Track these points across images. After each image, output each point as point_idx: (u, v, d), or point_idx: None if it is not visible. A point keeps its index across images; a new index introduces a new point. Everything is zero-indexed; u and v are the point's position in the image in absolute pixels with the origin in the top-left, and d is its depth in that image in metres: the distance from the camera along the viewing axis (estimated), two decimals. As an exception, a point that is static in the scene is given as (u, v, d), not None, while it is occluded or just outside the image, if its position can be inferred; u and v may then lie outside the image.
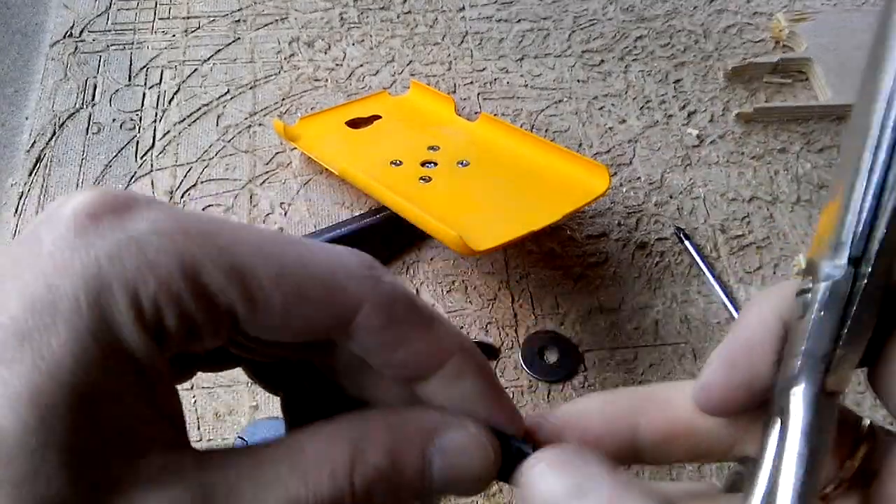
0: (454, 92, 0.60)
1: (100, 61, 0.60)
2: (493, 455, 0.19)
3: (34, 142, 0.55)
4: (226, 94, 0.58)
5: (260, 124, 0.57)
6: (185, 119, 0.57)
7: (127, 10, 0.64)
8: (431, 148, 0.53)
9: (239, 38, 0.62)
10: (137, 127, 0.56)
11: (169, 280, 0.16)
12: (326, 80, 0.60)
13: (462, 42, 0.63)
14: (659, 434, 0.21)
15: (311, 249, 0.18)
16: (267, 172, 0.54)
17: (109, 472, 0.15)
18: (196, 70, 0.60)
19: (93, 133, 0.56)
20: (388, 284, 0.19)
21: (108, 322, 0.15)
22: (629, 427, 0.21)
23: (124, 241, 0.16)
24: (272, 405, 0.44)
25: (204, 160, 0.55)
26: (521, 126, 0.58)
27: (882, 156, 0.17)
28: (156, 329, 0.16)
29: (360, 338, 0.18)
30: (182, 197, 0.53)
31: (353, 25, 0.64)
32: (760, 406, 0.19)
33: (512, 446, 0.20)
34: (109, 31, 0.62)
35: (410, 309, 0.19)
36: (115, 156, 0.55)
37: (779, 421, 0.18)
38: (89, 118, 0.57)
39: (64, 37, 0.62)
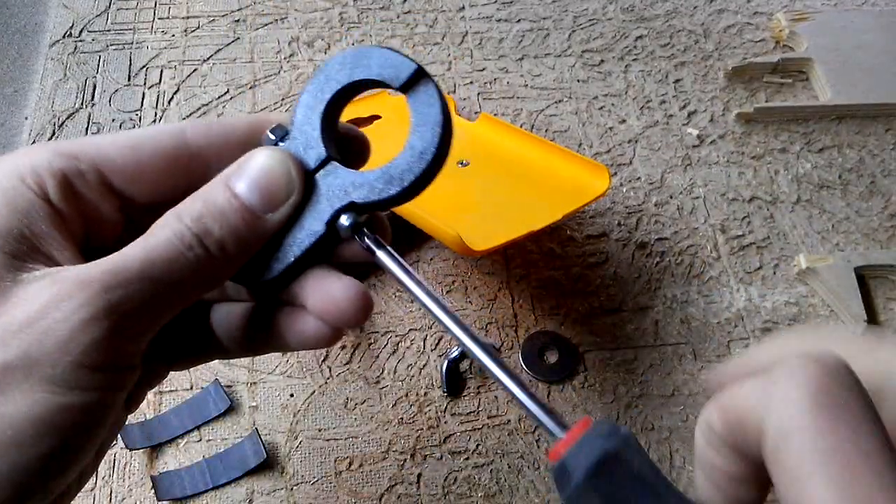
0: (454, 92, 0.60)
1: (99, 61, 0.60)
2: (287, 158, 0.25)
3: (34, 141, 0.55)
4: (225, 93, 0.58)
5: (259, 124, 0.57)
6: (184, 119, 0.57)
7: (126, 9, 0.64)
8: (431, 148, 0.53)
9: (238, 38, 0.62)
10: (137, 127, 0.56)
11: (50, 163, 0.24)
12: (326, 79, 0.60)
13: (462, 42, 0.63)
14: None
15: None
16: (266, 172, 0.54)
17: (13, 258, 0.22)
18: (196, 70, 0.60)
19: (92, 133, 0.56)
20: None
21: (30, 185, 0.23)
22: None
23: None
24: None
25: (203, 160, 0.55)
26: (521, 126, 0.58)
27: None
28: (64, 188, 0.24)
29: (201, 147, 0.25)
30: (181, 197, 0.53)
31: (352, 25, 0.64)
32: None
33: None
34: (109, 30, 0.62)
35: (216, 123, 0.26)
36: (115, 156, 0.55)
37: None
38: (89, 118, 0.56)
39: (63, 37, 0.61)
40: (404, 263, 0.25)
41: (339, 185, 0.25)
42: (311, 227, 0.25)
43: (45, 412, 0.21)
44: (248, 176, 0.24)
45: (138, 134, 0.25)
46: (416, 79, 0.24)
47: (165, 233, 0.23)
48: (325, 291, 0.25)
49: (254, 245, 0.24)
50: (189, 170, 0.25)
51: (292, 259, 0.25)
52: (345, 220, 0.25)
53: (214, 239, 0.23)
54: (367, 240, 0.25)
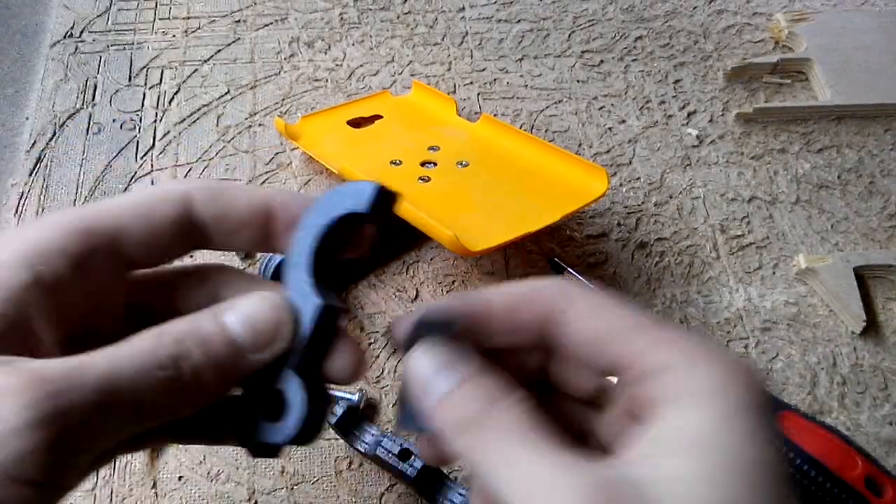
0: (454, 92, 0.60)
1: (100, 61, 0.60)
2: (282, 304, 0.24)
3: (34, 142, 0.55)
4: (226, 94, 0.59)
5: (260, 124, 0.57)
6: (185, 119, 0.57)
7: (127, 10, 0.64)
8: (432, 148, 0.53)
9: (239, 39, 0.62)
10: (137, 127, 0.56)
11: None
12: (326, 80, 0.60)
13: (462, 42, 0.63)
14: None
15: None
16: (267, 172, 0.54)
17: None
18: (196, 70, 0.60)
19: (93, 133, 0.56)
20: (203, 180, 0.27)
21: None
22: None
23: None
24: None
25: (204, 160, 0.55)
26: (521, 126, 0.58)
27: None
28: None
29: (204, 217, 0.25)
30: (182, 197, 0.53)
31: (352, 26, 0.64)
32: None
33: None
34: (109, 31, 0.62)
35: (225, 182, 0.27)
36: (116, 156, 0.55)
37: None
38: (89, 118, 0.57)
39: (64, 37, 0.62)
40: None
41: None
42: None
43: None
44: (240, 311, 0.23)
45: (149, 200, 0.25)
46: (381, 196, 0.24)
47: (140, 345, 0.21)
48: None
49: (231, 380, 0.23)
50: (192, 239, 0.25)
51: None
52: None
53: (191, 363, 0.22)
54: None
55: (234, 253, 0.50)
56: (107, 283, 0.24)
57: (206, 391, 0.22)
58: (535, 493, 0.19)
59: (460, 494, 0.40)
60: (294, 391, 0.24)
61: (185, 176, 0.54)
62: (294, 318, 0.24)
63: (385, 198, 0.24)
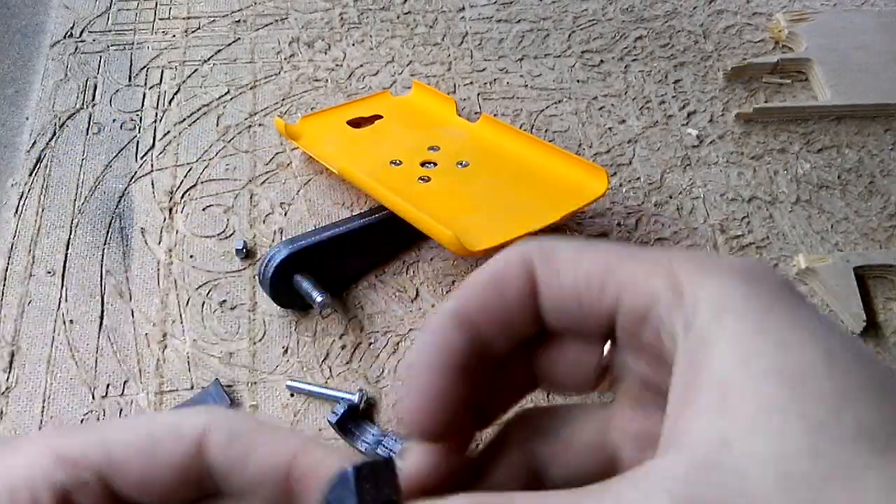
0: (454, 92, 0.60)
1: (100, 61, 0.60)
2: None
3: (34, 142, 0.55)
4: (226, 94, 0.59)
5: (260, 124, 0.57)
6: (185, 119, 0.57)
7: (127, 10, 0.64)
8: (432, 148, 0.53)
9: (239, 39, 0.62)
10: (137, 127, 0.56)
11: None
12: (326, 80, 0.60)
13: (462, 42, 0.63)
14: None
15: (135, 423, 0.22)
16: (267, 172, 0.54)
17: None
18: (196, 70, 0.60)
19: (93, 133, 0.56)
20: (224, 411, 0.22)
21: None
22: None
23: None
24: None
25: (204, 160, 0.55)
26: (520, 126, 0.58)
27: None
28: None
29: (216, 466, 0.21)
30: (182, 197, 0.53)
31: (353, 26, 0.64)
32: None
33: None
34: (110, 31, 0.62)
35: (249, 419, 0.21)
36: (116, 156, 0.55)
37: None
38: (89, 118, 0.57)
39: (64, 37, 0.62)
40: None
41: None
42: None
43: None
44: None
45: (157, 433, 0.21)
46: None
47: None
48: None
49: None
50: (201, 488, 0.22)
51: None
52: None
53: None
54: None
55: (234, 252, 0.50)
56: None
57: None
58: None
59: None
60: None
61: (185, 176, 0.54)
62: None
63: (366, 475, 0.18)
